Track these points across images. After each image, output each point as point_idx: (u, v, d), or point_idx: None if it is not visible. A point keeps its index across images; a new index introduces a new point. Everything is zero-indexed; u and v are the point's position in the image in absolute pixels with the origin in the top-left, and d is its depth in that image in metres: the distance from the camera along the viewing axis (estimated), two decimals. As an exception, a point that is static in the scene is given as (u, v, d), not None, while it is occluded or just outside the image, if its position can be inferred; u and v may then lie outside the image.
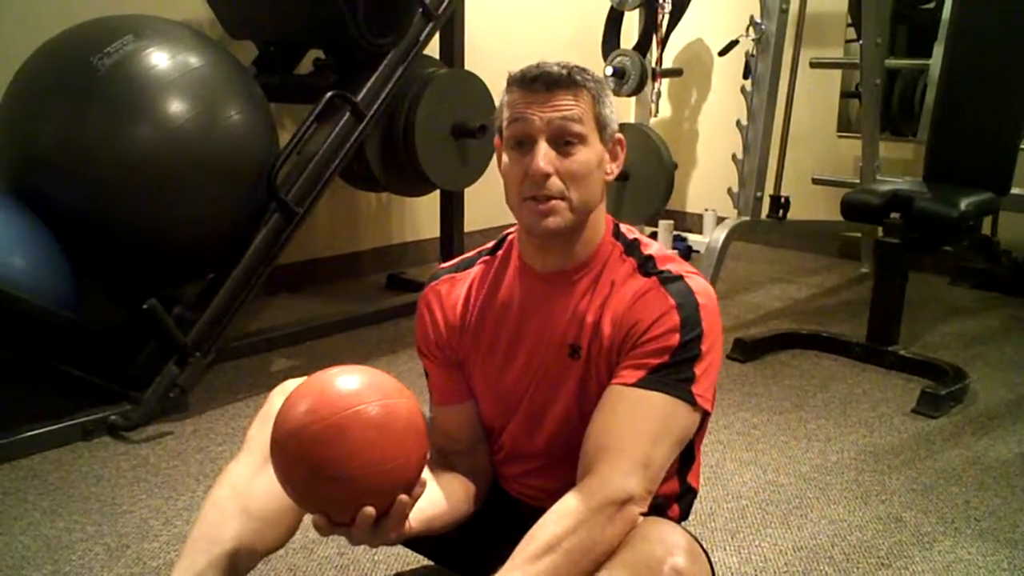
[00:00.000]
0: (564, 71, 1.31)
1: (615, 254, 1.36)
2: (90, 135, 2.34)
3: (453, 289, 1.47)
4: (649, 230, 4.62)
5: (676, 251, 4.07)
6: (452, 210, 3.72)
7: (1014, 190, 3.28)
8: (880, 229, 3.00)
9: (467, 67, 3.55)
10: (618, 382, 1.27)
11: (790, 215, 3.82)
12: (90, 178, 2.34)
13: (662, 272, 1.32)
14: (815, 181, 4.30)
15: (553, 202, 1.28)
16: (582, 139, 1.28)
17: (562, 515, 1.17)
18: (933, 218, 2.83)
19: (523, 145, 1.29)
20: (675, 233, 4.45)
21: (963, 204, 2.84)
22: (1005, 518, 2.00)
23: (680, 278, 1.31)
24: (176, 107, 2.38)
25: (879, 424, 2.52)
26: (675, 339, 1.26)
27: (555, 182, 1.27)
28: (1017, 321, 3.57)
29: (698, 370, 1.26)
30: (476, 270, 1.50)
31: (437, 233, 3.81)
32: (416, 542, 1.50)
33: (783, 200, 3.82)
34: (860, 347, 3.03)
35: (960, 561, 1.82)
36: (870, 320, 3.02)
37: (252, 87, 2.66)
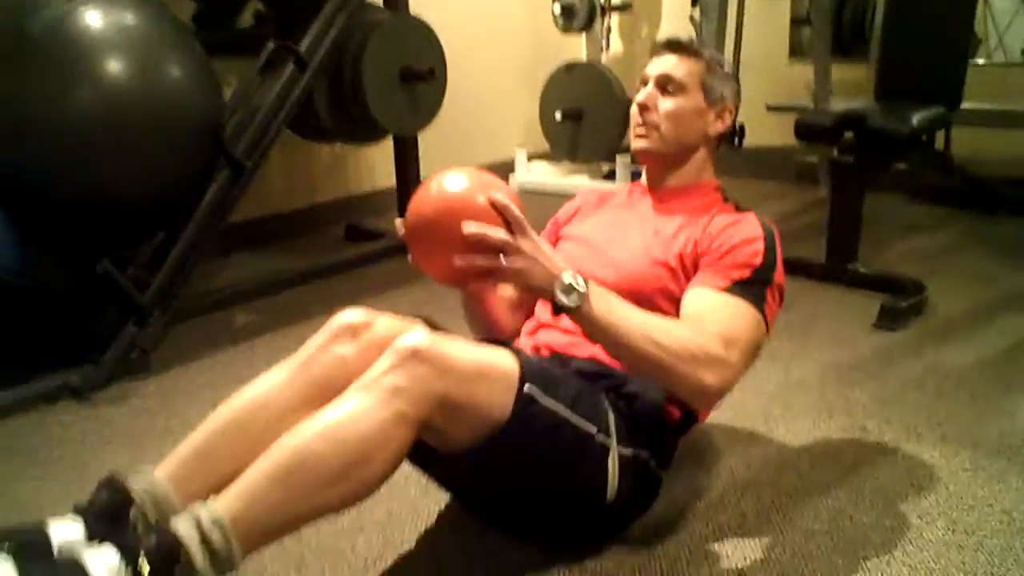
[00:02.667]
0: (689, 40, 1.73)
1: (719, 196, 1.77)
2: (28, 100, 2.27)
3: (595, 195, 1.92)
4: (606, 167, 4.62)
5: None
6: (407, 157, 3.68)
7: (965, 104, 3.31)
8: (835, 149, 3.01)
9: (412, 11, 3.49)
10: (706, 286, 1.55)
11: (746, 143, 3.82)
12: (30, 143, 2.28)
13: (753, 213, 1.70)
14: (769, 108, 4.31)
15: (645, 129, 1.69)
16: (681, 89, 1.68)
17: (679, 323, 1.49)
18: (885, 134, 2.85)
19: (644, 85, 1.71)
20: (632, 169, 4.45)
21: (914, 119, 2.86)
22: (965, 422, 2.04)
23: (768, 225, 1.67)
24: (115, 67, 2.32)
25: (841, 340, 2.55)
26: (759, 261, 1.57)
27: (651, 116, 1.68)
28: (971, 234, 3.63)
29: (768, 296, 1.56)
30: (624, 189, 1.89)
31: (393, 182, 3.78)
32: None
33: (738, 128, 3.82)
34: (820, 267, 3.06)
35: (923, 465, 1.86)
36: (828, 239, 3.04)
37: (192, 43, 2.60)
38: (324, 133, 3.41)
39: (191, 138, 2.51)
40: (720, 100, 1.71)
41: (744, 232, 1.62)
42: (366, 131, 3.40)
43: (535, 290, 1.40)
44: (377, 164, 4.20)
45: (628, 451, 1.49)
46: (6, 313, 2.45)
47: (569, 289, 1.37)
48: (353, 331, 1.47)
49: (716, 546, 1.59)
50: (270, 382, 1.45)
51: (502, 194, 1.38)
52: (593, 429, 1.44)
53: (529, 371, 1.38)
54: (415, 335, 1.30)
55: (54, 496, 1.85)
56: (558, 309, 1.39)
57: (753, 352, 1.54)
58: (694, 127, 1.70)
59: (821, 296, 2.93)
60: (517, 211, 1.37)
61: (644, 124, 1.69)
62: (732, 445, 1.97)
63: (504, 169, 4.91)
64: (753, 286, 1.55)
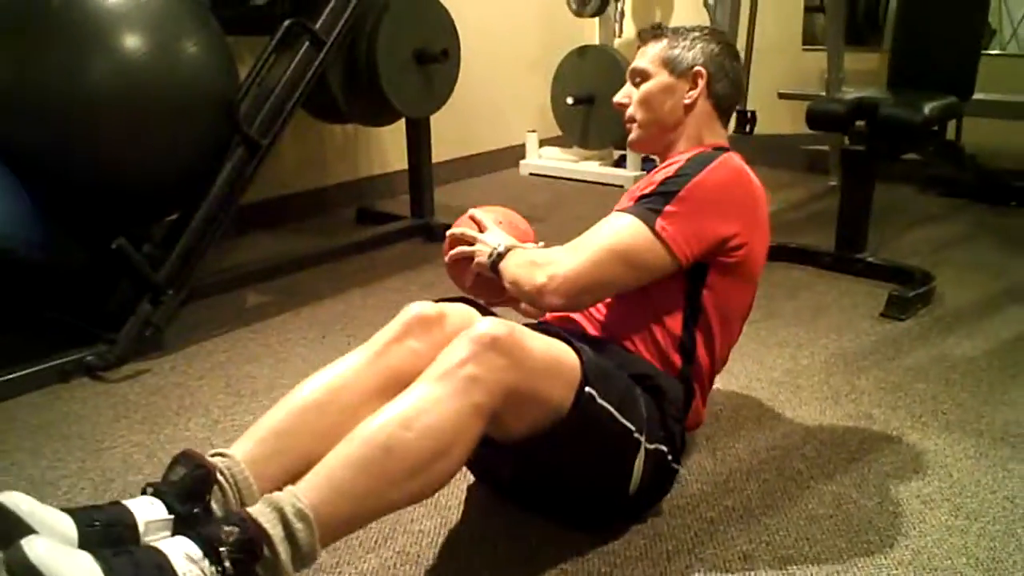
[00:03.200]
0: (653, 25, 1.84)
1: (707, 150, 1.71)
2: (46, 72, 2.29)
3: None
4: (617, 153, 4.62)
5: (645, 172, 4.07)
6: (419, 140, 3.69)
7: (977, 95, 3.30)
8: (846, 138, 3.02)
9: (427, -8, 3.50)
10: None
11: (757, 130, 3.83)
12: (48, 117, 2.30)
13: (727, 150, 1.69)
14: (781, 95, 4.30)
15: (629, 124, 1.76)
16: (646, 75, 1.73)
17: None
18: (897, 123, 2.85)
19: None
20: (643, 155, 4.45)
21: (927, 108, 2.86)
22: (971, 411, 2.06)
23: (726, 149, 1.69)
24: (132, 41, 2.33)
25: (848, 328, 2.57)
26: (660, 178, 1.59)
27: (628, 111, 1.75)
28: (982, 225, 3.63)
29: (670, 207, 1.53)
30: None
31: (405, 165, 3.79)
32: None
33: (750, 115, 3.83)
34: (829, 256, 3.07)
35: (927, 452, 1.88)
36: (838, 228, 3.05)
37: (208, 19, 2.61)
38: (337, 114, 3.42)
39: (207, 115, 2.52)
40: (687, 68, 1.71)
41: (675, 165, 1.63)
42: (379, 112, 3.41)
43: (481, 266, 1.66)
44: (389, 146, 4.21)
45: (652, 446, 1.52)
46: (23, 289, 2.48)
47: (492, 253, 1.63)
48: (426, 324, 1.49)
49: (722, 529, 1.61)
50: (345, 369, 1.45)
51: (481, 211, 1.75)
52: (634, 428, 1.47)
53: (588, 368, 1.40)
54: (493, 324, 1.31)
55: (70, 471, 1.88)
56: (492, 272, 1.63)
57: (612, 256, 1.54)
58: (667, 104, 1.72)
59: (830, 285, 2.94)
60: (485, 219, 1.73)
61: (626, 121, 1.77)
62: (738, 430, 1.99)
63: (515, 154, 4.92)
64: (646, 199, 1.57)
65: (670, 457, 1.58)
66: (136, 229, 2.56)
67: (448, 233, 1.76)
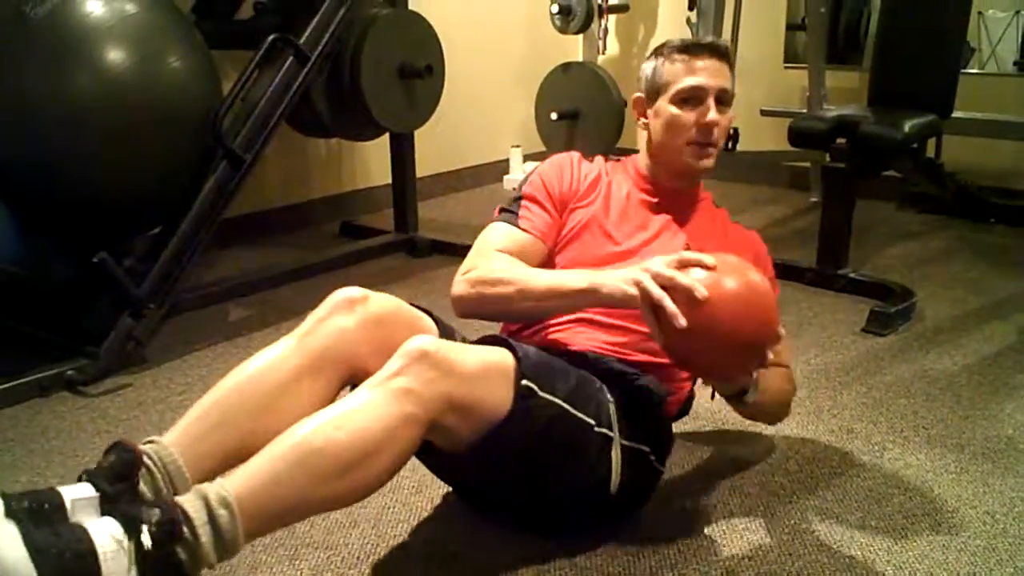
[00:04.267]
0: (725, 46, 1.70)
1: (710, 200, 1.83)
2: (27, 86, 2.29)
3: (584, 164, 1.80)
4: (601, 168, 4.63)
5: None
6: (403, 155, 3.69)
7: (957, 113, 3.34)
8: (827, 155, 3.04)
9: (411, 7, 3.51)
10: None
11: (739, 146, 3.85)
12: (29, 131, 2.29)
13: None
14: (763, 112, 4.33)
15: (711, 148, 1.67)
16: (732, 101, 1.69)
17: (782, 375, 1.72)
18: (878, 141, 2.88)
19: (692, 101, 1.65)
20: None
21: (907, 126, 2.89)
22: (952, 426, 2.07)
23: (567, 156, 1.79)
24: (114, 55, 2.33)
25: (830, 344, 2.58)
26: (775, 288, 1.72)
27: (717, 134, 1.66)
28: (962, 241, 3.66)
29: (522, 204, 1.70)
30: (599, 163, 1.82)
31: (389, 180, 3.79)
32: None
33: (732, 132, 3.84)
34: (811, 272, 3.08)
35: (909, 467, 1.88)
36: (820, 245, 3.07)
37: (192, 33, 2.61)
38: (321, 128, 3.42)
39: (190, 129, 2.52)
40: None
41: (768, 262, 1.85)
42: (363, 127, 3.41)
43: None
44: (373, 161, 4.21)
45: (631, 444, 1.52)
46: (3, 303, 2.46)
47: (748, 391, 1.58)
48: (351, 304, 1.50)
49: (704, 544, 1.61)
50: (272, 353, 1.46)
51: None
52: (591, 421, 1.47)
53: (526, 365, 1.41)
54: (423, 339, 1.33)
55: (49, 486, 1.86)
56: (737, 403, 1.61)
57: (476, 249, 1.64)
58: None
59: (811, 301, 2.95)
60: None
61: (711, 144, 1.67)
62: (721, 445, 1.99)
63: (499, 169, 4.93)
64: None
65: (653, 458, 1.58)
66: (118, 243, 2.55)
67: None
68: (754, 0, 4.21)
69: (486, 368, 1.37)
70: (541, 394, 1.40)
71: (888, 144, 2.86)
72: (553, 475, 1.49)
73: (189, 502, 1.14)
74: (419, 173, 3.78)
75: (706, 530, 1.66)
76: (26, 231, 2.34)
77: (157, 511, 1.12)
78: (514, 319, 1.71)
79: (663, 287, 1.35)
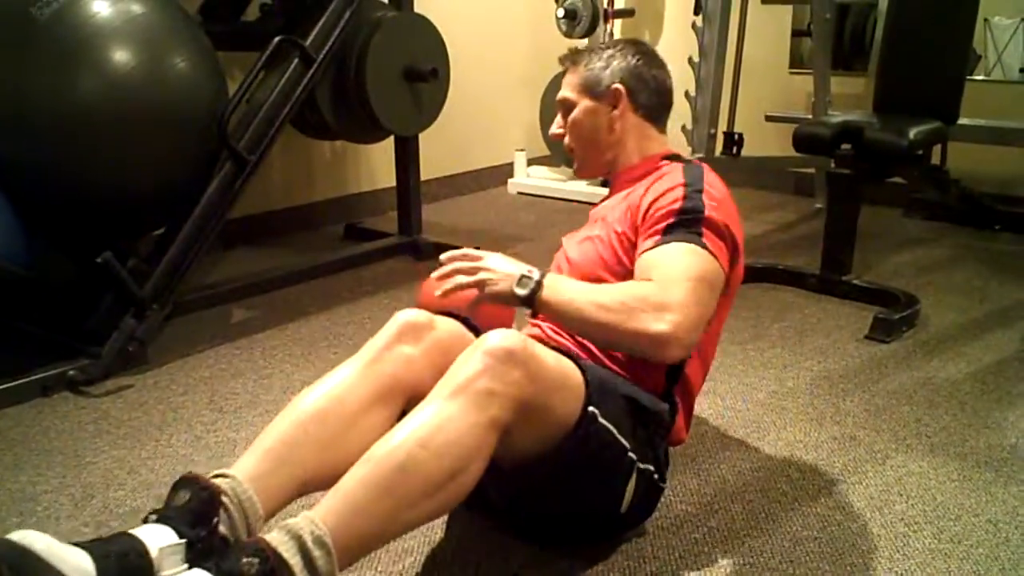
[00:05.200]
0: (570, 50, 1.81)
1: (657, 163, 1.74)
2: (33, 86, 2.29)
3: None
4: (606, 172, 4.63)
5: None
6: (407, 158, 3.69)
7: (962, 120, 3.33)
8: (832, 160, 3.03)
9: (417, 10, 3.51)
10: (641, 251, 1.54)
11: (744, 152, 3.85)
12: (35, 131, 2.30)
13: (690, 162, 1.70)
14: (768, 118, 4.32)
15: (569, 154, 1.79)
16: (570, 104, 1.74)
17: (621, 284, 1.52)
18: (883, 147, 2.87)
19: None
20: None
21: (912, 133, 2.88)
22: (955, 433, 2.07)
23: (701, 168, 1.65)
24: (121, 55, 2.33)
25: (833, 350, 2.57)
26: (678, 205, 1.54)
27: (564, 142, 1.78)
28: (966, 249, 3.65)
29: (704, 228, 1.51)
30: None
31: (393, 182, 3.79)
32: None
33: (737, 137, 3.85)
34: (815, 278, 3.08)
35: (912, 475, 1.88)
36: (824, 250, 3.06)
37: (198, 34, 2.62)
38: (326, 130, 3.42)
39: (196, 130, 2.52)
40: (606, 88, 1.72)
41: (663, 186, 1.60)
42: (368, 130, 3.41)
43: (502, 295, 1.46)
44: (377, 164, 4.21)
45: (643, 466, 1.52)
46: (6, 302, 2.46)
47: (524, 282, 1.45)
48: (416, 330, 1.48)
49: (706, 550, 1.61)
50: (341, 379, 1.43)
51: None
52: (629, 447, 1.47)
53: (594, 387, 1.40)
54: (506, 336, 1.30)
55: (51, 486, 1.86)
56: (521, 303, 1.46)
57: (703, 286, 1.47)
58: (595, 127, 1.74)
59: (815, 307, 2.95)
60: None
61: (566, 151, 1.79)
62: (723, 452, 1.99)
63: (503, 172, 4.93)
64: (680, 226, 1.52)
65: (656, 476, 1.58)
66: (122, 243, 2.55)
67: (443, 257, 1.55)
68: (760, 5, 4.21)
69: (562, 378, 1.36)
70: (601, 420, 1.40)
71: (893, 150, 2.86)
72: (580, 494, 1.48)
73: (285, 546, 1.10)
74: (423, 176, 3.78)
75: (707, 537, 1.65)
76: (30, 231, 2.34)
77: (255, 561, 1.08)
78: None
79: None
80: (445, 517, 1.70)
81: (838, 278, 3.03)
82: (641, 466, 1.51)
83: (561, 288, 1.46)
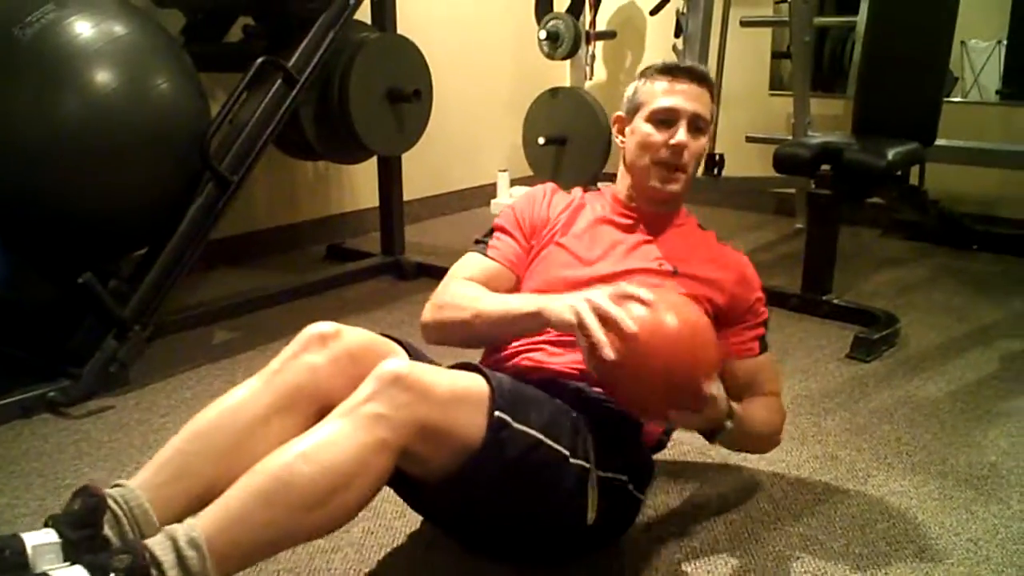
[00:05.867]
0: (705, 72, 1.73)
1: (694, 220, 1.84)
2: (14, 107, 2.28)
3: (559, 194, 1.84)
4: (588, 193, 4.65)
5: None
6: (390, 178, 3.70)
7: (940, 141, 3.38)
8: (812, 181, 3.06)
9: (400, 32, 3.53)
10: (751, 355, 1.77)
11: (725, 172, 3.88)
12: (16, 152, 2.29)
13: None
14: (749, 139, 4.37)
15: (679, 172, 1.70)
16: (707, 126, 1.71)
17: (767, 405, 1.75)
18: (862, 168, 2.91)
19: (666, 122, 1.68)
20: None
21: (890, 154, 2.92)
22: (935, 452, 2.08)
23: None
24: (102, 76, 2.33)
25: (815, 370, 2.59)
26: (764, 310, 1.79)
27: (685, 158, 1.68)
28: (945, 269, 3.69)
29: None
30: (576, 193, 1.85)
31: (376, 203, 3.80)
32: None
33: (718, 157, 3.88)
34: (796, 298, 3.10)
35: (893, 493, 1.89)
36: (804, 271, 3.09)
37: (180, 55, 2.62)
38: (309, 151, 3.43)
39: (178, 151, 2.52)
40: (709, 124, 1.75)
41: (755, 284, 1.81)
42: (351, 150, 3.42)
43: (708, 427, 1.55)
44: (360, 184, 4.22)
45: (607, 474, 1.50)
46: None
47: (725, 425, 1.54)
48: (322, 340, 1.47)
49: (688, 570, 1.61)
50: (242, 392, 1.44)
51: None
52: (567, 452, 1.44)
53: (500, 395, 1.39)
54: (396, 362, 1.31)
55: (30, 509, 1.84)
56: (712, 438, 1.57)
57: (446, 278, 1.68)
58: (703, 155, 1.77)
59: (796, 326, 2.97)
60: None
61: (679, 168, 1.69)
62: (705, 471, 1.99)
63: (486, 193, 4.95)
64: (765, 333, 1.79)
65: (631, 486, 1.57)
66: (104, 264, 2.54)
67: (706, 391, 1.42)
68: (740, 28, 4.26)
69: (460, 394, 1.36)
70: (515, 425, 1.38)
71: (872, 171, 2.89)
72: (528, 506, 1.46)
73: (158, 544, 1.13)
74: (406, 196, 3.79)
75: (689, 556, 1.65)
76: (10, 251, 2.33)
77: (126, 557, 1.11)
78: (475, 344, 1.71)
79: (600, 317, 1.36)
80: (430, 537, 1.70)
81: (819, 298, 3.05)
82: (602, 474, 1.49)
83: (744, 423, 1.58)
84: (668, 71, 1.71)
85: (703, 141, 1.70)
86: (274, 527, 1.20)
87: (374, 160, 3.66)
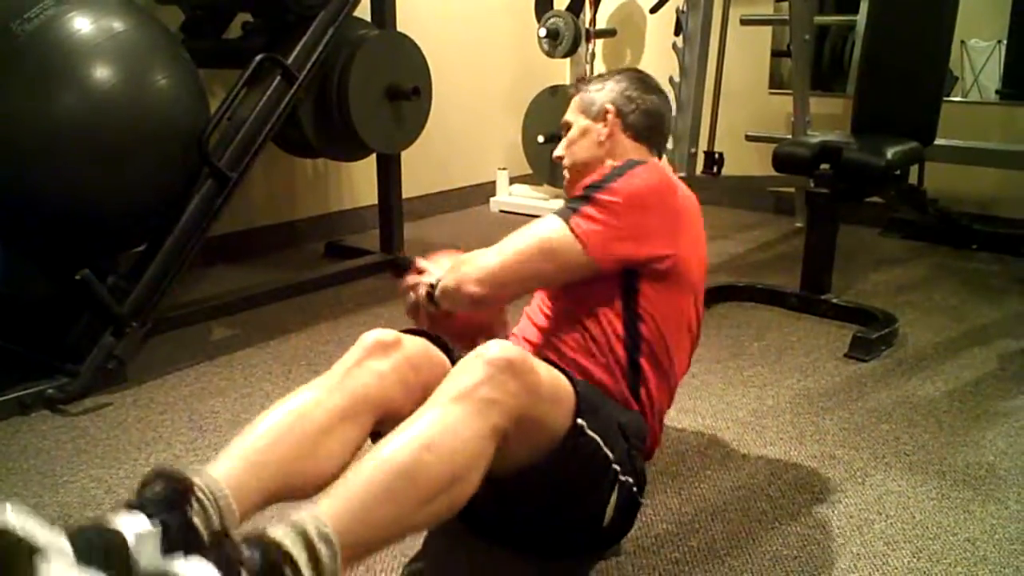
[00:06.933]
0: (573, 83, 1.82)
1: None
2: (13, 103, 2.27)
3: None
4: (587, 191, 4.64)
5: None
6: (389, 176, 3.69)
7: (939, 140, 3.37)
8: (811, 180, 3.06)
9: (399, 29, 3.52)
10: None
11: (724, 171, 3.88)
12: (14, 148, 2.28)
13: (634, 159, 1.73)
14: (748, 138, 4.36)
15: (564, 171, 1.87)
16: (569, 125, 1.86)
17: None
18: (861, 167, 2.90)
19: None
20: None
21: (889, 153, 2.91)
22: (933, 452, 2.08)
23: (643, 162, 1.66)
24: (101, 72, 2.32)
25: (813, 369, 2.59)
26: (587, 182, 1.64)
27: (562, 160, 1.86)
28: (944, 268, 3.68)
29: (588, 208, 1.56)
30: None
31: (375, 200, 3.79)
32: None
33: (717, 156, 3.87)
34: (795, 297, 3.10)
35: (891, 493, 1.89)
36: (803, 270, 3.08)
37: (179, 52, 2.61)
38: (308, 148, 3.42)
39: (177, 147, 2.51)
40: (599, 109, 1.81)
41: (601, 171, 1.69)
42: (350, 147, 3.41)
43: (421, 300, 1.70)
44: (359, 182, 4.21)
45: (624, 478, 1.52)
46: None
47: (433, 286, 1.68)
48: (384, 348, 1.48)
49: (686, 570, 1.61)
50: (310, 394, 1.42)
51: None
52: (614, 459, 1.47)
53: (583, 399, 1.41)
54: (505, 347, 1.31)
55: (27, 506, 1.84)
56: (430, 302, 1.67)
57: (540, 252, 1.59)
58: (587, 144, 1.82)
59: (795, 326, 2.96)
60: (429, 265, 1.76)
61: (564, 171, 1.86)
62: (704, 471, 1.99)
63: (485, 191, 4.94)
64: (571, 200, 1.64)
65: (636, 490, 1.58)
66: (102, 261, 2.53)
67: (404, 283, 1.75)
68: (740, 27, 4.25)
69: (556, 391, 1.37)
70: (589, 432, 1.40)
71: (871, 171, 2.89)
72: (563, 503, 1.48)
73: (289, 539, 1.08)
74: (405, 194, 3.78)
75: (687, 556, 1.65)
76: (7, 247, 2.32)
77: (258, 553, 1.06)
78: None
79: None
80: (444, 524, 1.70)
81: (817, 297, 3.05)
82: (623, 478, 1.51)
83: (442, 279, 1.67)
84: None
85: (570, 136, 1.85)
86: (397, 519, 1.18)
87: (373, 157, 3.66)
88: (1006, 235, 3.91)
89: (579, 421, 1.38)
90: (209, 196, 2.65)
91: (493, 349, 1.30)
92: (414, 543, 1.67)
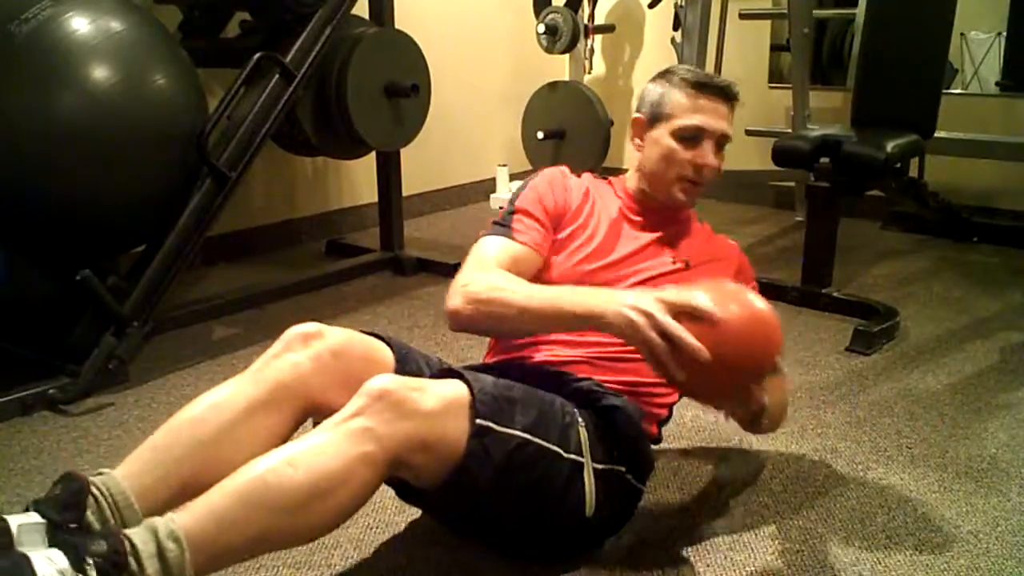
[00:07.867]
0: (734, 90, 1.73)
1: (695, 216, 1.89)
2: (10, 104, 2.27)
3: (572, 178, 1.84)
4: (587, 187, 4.64)
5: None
6: (389, 174, 3.69)
7: (939, 133, 3.37)
8: (811, 174, 3.06)
9: (397, 26, 3.52)
10: None
11: (724, 165, 3.86)
12: (12, 148, 2.28)
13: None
14: (748, 132, 4.36)
15: (701, 187, 1.73)
16: (724, 142, 1.73)
17: (776, 386, 1.63)
18: (861, 160, 2.90)
19: (692, 140, 1.69)
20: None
21: (889, 146, 2.91)
22: (935, 445, 2.08)
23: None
24: (99, 72, 2.32)
25: (814, 363, 2.59)
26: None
27: (707, 175, 1.71)
28: (945, 261, 3.68)
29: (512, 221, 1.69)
30: (587, 178, 1.86)
31: (375, 198, 3.79)
32: None
33: (717, 151, 3.87)
34: (795, 291, 3.09)
35: (893, 486, 1.89)
36: (804, 264, 3.09)
37: (178, 51, 2.61)
38: (307, 146, 3.42)
39: (175, 147, 2.51)
40: None
41: (751, 272, 1.90)
42: (349, 145, 3.41)
43: None
44: (359, 180, 4.21)
45: (605, 466, 1.51)
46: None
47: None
48: (304, 339, 1.49)
49: (687, 564, 1.61)
50: (226, 389, 1.45)
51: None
52: (558, 448, 1.45)
53: (482, 400, 1.39)
54: (384, 378, 1.33)
55: (29, 505, 1.84)
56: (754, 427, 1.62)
57: (472, 262, 1.62)
58: None
59: (796, 320, 2.96)
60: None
61: (699, 184, 1.73)
62: (705, 465, 1.99)
63: (485, 188, 4.94)
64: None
65: (630, 476, 1.58)
66: (102, 261, 2.53)
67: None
68: (739, 21, 4.25)
69: (446, 405, 1.36)
70: (498, 429, 1.39)
71: (871, 164, 2.89)
72: (526, 504, 1.47)
73: (137, 534, 1.14)
74: (405, 192, 3.78)
75: (689, 550, 1.65)
76: (7, 248, 2.32)
77: (103, 542, 1.12)
78: (508, 336, 1.71)
79: (662, 334, 1.33)
80: (431, 533, 1.70)
81: (818, 291, 3.05)
82: (599, 467, 1.50)
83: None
84: (698, 86, 1.71)
85: (722, 156, 1.74)
86: (254, 528, 1.21)
87: (373, 155, 3.66)
88: (1007, 227, 3.91)
89: (479, 422, 1.37)
90: (208, 195, 2.64)
91: (373, 381, 1.32)
92: (408, 547, 1.68)
